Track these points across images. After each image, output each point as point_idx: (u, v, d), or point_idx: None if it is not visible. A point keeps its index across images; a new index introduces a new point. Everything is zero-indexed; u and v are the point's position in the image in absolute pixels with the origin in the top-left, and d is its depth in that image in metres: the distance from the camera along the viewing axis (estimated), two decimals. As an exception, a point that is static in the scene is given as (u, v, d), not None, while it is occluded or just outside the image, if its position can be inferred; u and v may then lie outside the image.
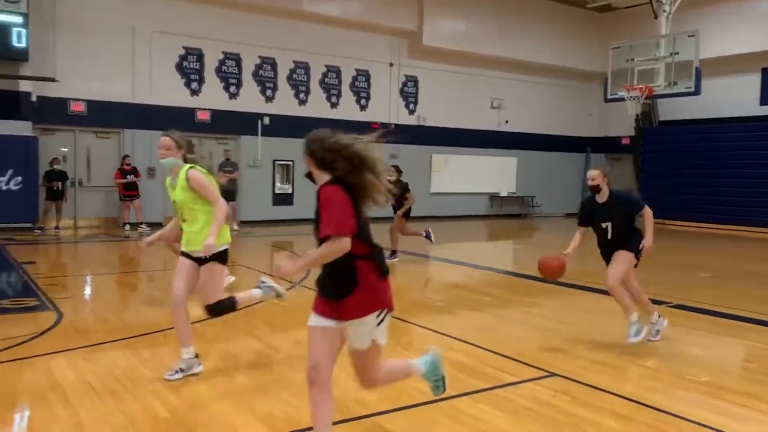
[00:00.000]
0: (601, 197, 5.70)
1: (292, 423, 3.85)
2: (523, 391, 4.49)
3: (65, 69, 14.05)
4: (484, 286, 9.06)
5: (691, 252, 13.95)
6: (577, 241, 5.79)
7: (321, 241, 3.03)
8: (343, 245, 2.94)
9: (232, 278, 7.91)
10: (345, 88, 18.23)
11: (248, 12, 16.10)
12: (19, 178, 13.38)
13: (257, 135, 16.73)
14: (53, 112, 14.25)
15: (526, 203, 21.99)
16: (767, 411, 4.27)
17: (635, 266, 5.77)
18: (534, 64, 20.67)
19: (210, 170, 4.70)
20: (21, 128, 13.56)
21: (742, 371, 5.35)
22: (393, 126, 18.83)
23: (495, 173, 21.05)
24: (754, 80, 18.87)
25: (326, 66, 17.84)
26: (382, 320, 3.08)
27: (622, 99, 17.45)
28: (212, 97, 16.17)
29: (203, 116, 16.07)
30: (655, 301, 7.74)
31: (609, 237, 5.66)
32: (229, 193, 15.12)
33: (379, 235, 3.64)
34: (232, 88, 16.53)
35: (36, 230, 13.45)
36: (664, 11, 17.59)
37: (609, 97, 18.17)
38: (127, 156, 14.65)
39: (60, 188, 13.87)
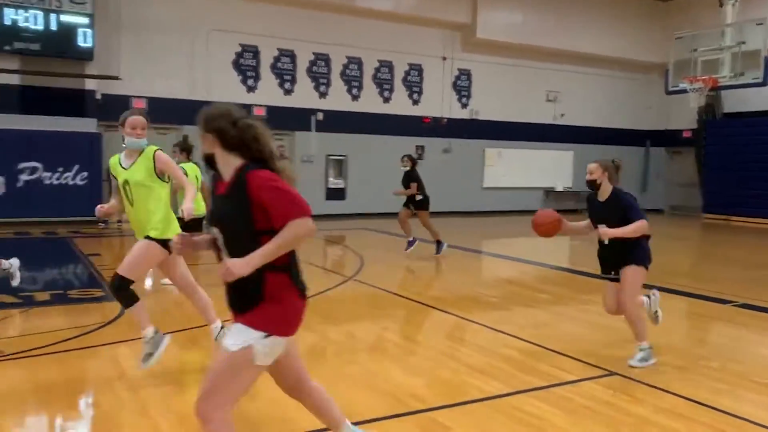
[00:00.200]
0: (602, 195, 4.95)
1: (349, 415, 3.84)
2: (582, 390, 4.40)
3: (128, 67, 14.51)
4: (539, 282, 8.92)
5: (756, 249, 13.39)
6: (582, 224, 5.16)
7: (236, 250, 2.52)
8: (309, 226, 2.51)
9: None
10: (397, 83, 18.23)
11: (302, 8, 16.27)
12: (85, 174, 13.93)
13: (311, 130, 16.92)
14: (116, 109, 14.55)
15: (583, 198, 21.46)
16: (842, 417, 4.07)
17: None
18: (592, 55, 20.16)
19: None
20: (86, 125, 14.09)
21: (814, 374, 5.12)
22: (445, 120, 18.78)
23: (550, 167, 20.67)
24: (827, 69, 17.91)
25: (379, 61, 17.87)
26: (270, 339, 2.57)
27: (684, 91, 16.88)
28: (268, 93, 16.43)
29: (259, 112, 16.32)
30: (719, 300, 7.51)
31: (606, 241, 4.89)
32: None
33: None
34: (287, 85, 16.76)
35: (100, 223, 13.95)
36: (731, -1, 16.91)
37: (670, 89, 17.60)
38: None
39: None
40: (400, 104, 18.14)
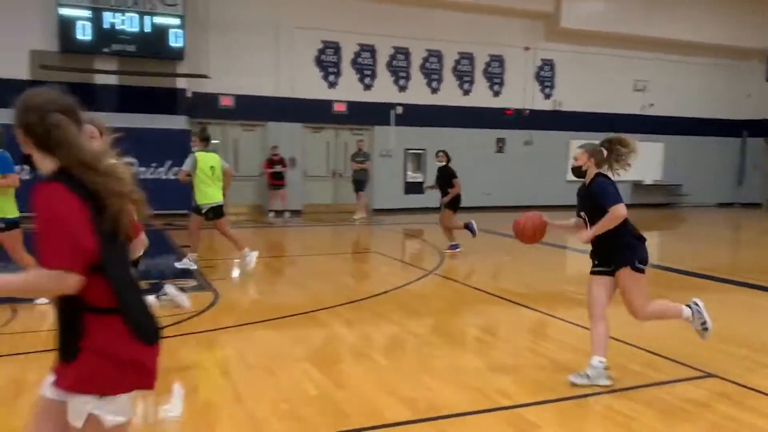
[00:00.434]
0: (587, 182, 4.52)
1: (435, 409, 3.90)
2: (678, 391, 4.23)
3: (216, 66, 15.05)
4: (628, 279, 8.60)
5: None
6: (572, 221, 4.71)
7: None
8: (58, 283, 1.88)
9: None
10: (478, 75, 18.01)
11: (382, 2, 16.33)
12: (177, 169, 14.56)
13: (390, 125, 17.01)
14: (205, 107, 15.35)
15: (673, 192, 20.58)
16: None
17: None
18: (683, 42, 19.18)
19: None
20: (177, 122, 14.74)
21: None
22: (527, 112, 18.41)
23: (638, 160, 19.64)
24: None
25: (459, 53, 17.71)
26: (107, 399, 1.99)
27: (787, 77, 15.80)
28: (348, 88, 16.64)
29: (339, 108, 16.57)
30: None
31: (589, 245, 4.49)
32: (358, 182, 15.55)
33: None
34: (367, 80, 16.90)
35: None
36: (841, -24, 15.68)
37: (771, 75, 16.52)
38: (275, 147, 15.47)
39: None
40: (480, 96, 17.93)
